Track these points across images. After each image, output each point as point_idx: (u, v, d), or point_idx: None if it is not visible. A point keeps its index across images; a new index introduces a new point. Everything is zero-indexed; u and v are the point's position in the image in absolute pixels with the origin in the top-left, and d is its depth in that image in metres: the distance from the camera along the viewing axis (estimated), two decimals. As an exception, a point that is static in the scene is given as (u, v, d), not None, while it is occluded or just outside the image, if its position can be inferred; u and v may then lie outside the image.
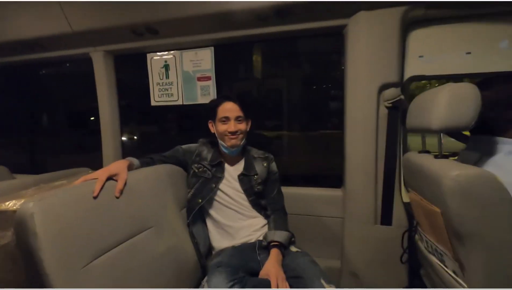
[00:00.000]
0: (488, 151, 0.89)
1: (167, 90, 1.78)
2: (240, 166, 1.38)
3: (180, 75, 1.75)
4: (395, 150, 1.37)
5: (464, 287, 0.81)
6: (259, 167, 1.38)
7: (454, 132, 0.98)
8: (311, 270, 1.09)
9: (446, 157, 0.91)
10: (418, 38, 1.37)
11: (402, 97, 1.33)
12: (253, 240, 1.29)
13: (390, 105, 1.35)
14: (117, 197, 0.96)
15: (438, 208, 0.85)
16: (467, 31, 1.32)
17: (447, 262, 0.90)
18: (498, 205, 0.71)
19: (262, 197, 1.38)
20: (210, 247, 1.34)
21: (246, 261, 1.17)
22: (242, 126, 1.30)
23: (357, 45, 1.35)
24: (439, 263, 0.96)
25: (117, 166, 1.06)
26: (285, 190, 1.48)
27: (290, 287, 1.07)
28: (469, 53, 1.32)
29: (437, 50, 1.38)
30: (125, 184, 1.02)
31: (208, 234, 1.35)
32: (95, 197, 0.89)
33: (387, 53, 1.32)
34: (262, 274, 1.10)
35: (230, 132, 1.28)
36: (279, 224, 1.31)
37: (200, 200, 1.30)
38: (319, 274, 1.07)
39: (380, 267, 1.39)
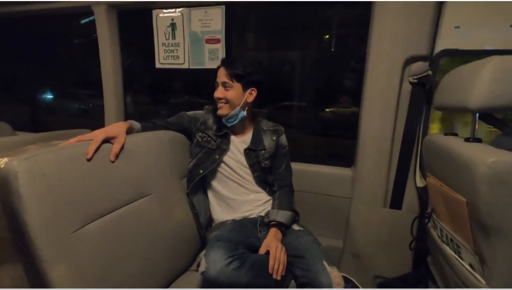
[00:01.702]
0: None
1: (173, 52, 1.66)
2: (247, 139, 1.29)
3: (188, 36, 1.61)
4: (414, 130, 1.26)
5: (481, 282, 0.74)
6: (268, 141, 1.30)
7: (490, 115, 0.86)
8: (314, 250, 1.04)
9: (479, 141, 0.81)
10: (456, 6, 1.21)
11: (430, 72, 1.19)
12: (254, 215, 1.24)
13: (416, 81, 1.22)
14: (112, 162, 0.90)
15: (463, 196, 0.77)
16: (508, 4, 1.15)
17: (463, 254, 0.84)
18: None
19: (269, 173, 1.31)
20: (210, 219, 1.30)
21: (246, 236, 1.12)
22: (229, 94, 1.19)
23: (386, 11, 1.20)
24: (453, 254, 0.89)
25: (116, 128, 0.99)
26: (293, 166, 1.40)
27: (291, 265, 1.03)
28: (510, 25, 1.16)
29: (477, 21, 1.22)
30: (123, 148, 0.95)
31: (209, 205, 1.30)
32: (88, 159, 0.83)
33: (418, 21, 1.17)
34: (262, 250, 1.06)
35: (216, 98, 1.20)
36: (283, 202, 1.25)
37: (201, 171, 1.23)
38: (322, 255, 1.02)
39: (384, 251, 1.35)
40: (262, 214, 1.24)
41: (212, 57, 1.59)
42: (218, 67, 1.24)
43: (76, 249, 0.73)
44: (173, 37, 1.64)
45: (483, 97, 0.73)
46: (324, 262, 0.99)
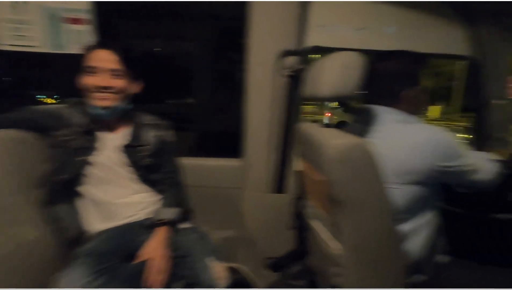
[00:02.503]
0: (376, 121, 0.93)
1: (21, 31, 1.32)
2: (123, 135, 1.15)
3: (42, 12, 1.31)
4: (292, 119, 1.37)
5: (338, 247, 0.85)
6: (149, 137, 1.18)
7: (344, 102, 0.99)
8: (199, 247, 1.02)
9: (344, 124, 0.92)
10: (320, 7, 1.35)
11: (302, 66, 1.30)
12: (139, 219, 1.12)
13: (290, 73, 1.32)
14: None
15: (322, 176, 0.86)
16: (363, 7, 1.36)
17: (325, 226, 0.95)
18: (369, 172, 0.74)
19: (153, 171, 1.20)
20: (82, 232, 1.11)
21: (125, 244, 1.01)
22: (119, 83, 1.05)
23: (260, 8, 1.26)
24: (321, 227, 1.01)
25: None
26: (183, 161, 1.33)
27: (177, 267, 0.98)
28: (364, 28, 1.37)
29: (339, 21, 1.39)
30: None
31: (78, 216, 1.11)
32: None
33: (289, 18, 1.26)
34: (140, 256, 0.97)
35: (98, 87, 1.02)
36: (171, 200, 1.18)
37: (64, 176, 1.03)
38: (208, 251, 1.00)
39: (274, 234, 1.44)
40: (149, 216, 1.14)
41: (76, 39, 1.34)
42: (91, 50, 1.04)
43: None
44: (21, 12, 1.31)
45: (331, 87, 0.83)
46: (208, 259, 0.97)
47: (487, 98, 1.44)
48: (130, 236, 1.06)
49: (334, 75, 0.83)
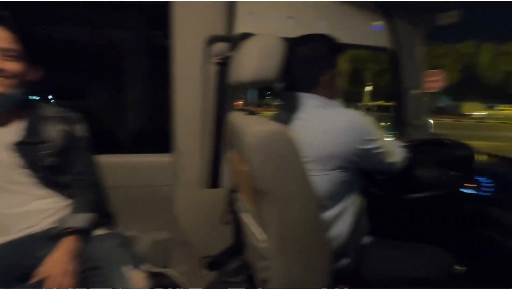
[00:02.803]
0: (298, 107, 0.91)
1: None
2: (15, 130, 0.95)
3: None
4: (223, 109, 1.30)
5: (265, 240, 0.81)
6: (51, 132, 1.00)
7: (266, 86, 0.95)
8: (115, 255, 0.89)
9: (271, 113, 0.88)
10: None
11: (231, 53, 1.24)
12: (41, 230, 0.95)
13: (219, 61, 1.24)
14: None
15: (246, 165, 0.81)
16: None
17: (254, 218, 0.91)
18: (290, 160, 0.71)
19: (59, 172, 1.02)
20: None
21: (21, 261, 0.84)
22: (12, 66, 0.87)
23: None
24: (250, 220, 0.97)
25: None
26: (104, 158, 1.20)
27: (83, 281, 0.84)
28: (292, 17, 1.36)
29: (268, 10, 1.35)
30: None
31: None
32: None
33: (215, 4, 1.19)
34: (38, 274, 0.81)
35: None
36: (82, 205, 1.02)
37: None
38: (127, 258, 0.88)
39: (210, 231, 1.37)
40: (53, 225, 0.96)
41: None
42: None
43: None
44: None
45: (251, 72, 0.78)
46: (126, 267, 0.86)
47: (405, 88, 1.56)
48: (28, 251, 0.89)
49: (253, 59, 0.78)
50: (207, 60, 1.25)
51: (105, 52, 1.63)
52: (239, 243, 1.27)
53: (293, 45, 0.92)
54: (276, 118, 0.99)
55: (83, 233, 0.94)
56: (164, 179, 1.37)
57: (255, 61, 0.78)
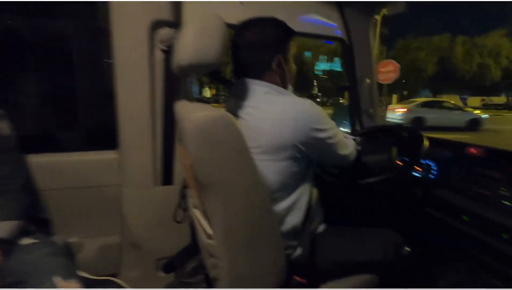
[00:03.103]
0: (248, 95, 0.86)
1: None
2: None
3: None
4: (174, 100, 1.22)
5: (212, 237, 0.76)
6: None
7: (204, 71, 0.88)
8: (42, 267, 0.78)
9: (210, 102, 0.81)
10: None
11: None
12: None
13: (166, 48, 1.15)
14: None
15: (189, 156, 0.75)
16: None
17: (202, 213, 0.85)
18: (232, 148, 0.66)
19: None
20: None
21: None
22: None
23: None
24: (199, 216, 0.91)
25: None
26: (39, 158, 1.09)
27: None
28: (242, 3, 1.30)
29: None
30: None
31: None
32: None
33: None
34: None
35: None
36: (7, 212, 0.88)
37: None
38: (55, 269, 0.78)
39: (164, 232, 1.28)
40: None
41: None
42: None
43: None
44: None
45: (189, 56, 0.71)
46: (56, 278, 0.76)
47: (358, 77, 1.58)
48: None
49: (191, 42, 0.71)
50: (152, 48, 1.15)
51: (38, 40, 1.45)
52: (195, 242, 1.20)
53: (242, 29, 0.87)
54: (226, 107, 0.93)
55: (4, 243, 0.82)
56: (111, 178, 1.26)
57: (193, 44, 0.71)
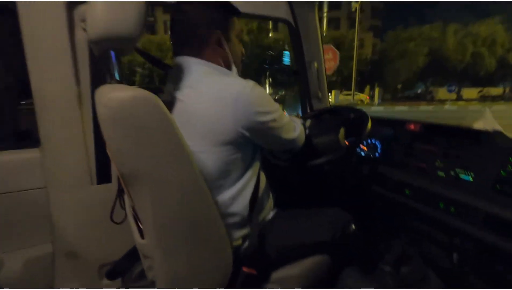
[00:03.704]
0: (186, 74, 0.78)
1: None
2: None
3: None
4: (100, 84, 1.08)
5: (143, 237, 0.68)
6: None
7: (121, 46, 0.77)
8: None
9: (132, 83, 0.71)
10: None
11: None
12: None
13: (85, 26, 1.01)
14: None
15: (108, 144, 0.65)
16: None
17: (132, 210, 0.77)
18: (157, 134, 0.58)
19: None
20: None
21: None
22: None
23: None
24: (131, 211, 0.82)
25: None
26: None
27: None
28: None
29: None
30: None
31: None
32: None
33: None
34: None
35: None
36: None
37: None
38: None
39: (104, 234, 1.16)
40: None
41: None
42: None
43: None
44: None
45: (100, 27, 0.61)
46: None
47: (307, 60, 1.57)
48: None
49: (101, 12, 0.61)
50: (71, 28, 1.00)
51: None
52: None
53: (181, 2, 0.79)
54: (165, 88, 0.84)
55: None
56: (34, 180, 1.09)
57: (103, 14, 0.60)
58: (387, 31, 28.41)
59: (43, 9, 0.97)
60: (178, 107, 0.74)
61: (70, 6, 0.99)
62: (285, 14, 1.45)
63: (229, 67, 0.85)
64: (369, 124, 1.01)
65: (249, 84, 0.74)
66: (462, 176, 0.94)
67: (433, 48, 24.46)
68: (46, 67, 1.01)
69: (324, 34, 24.74)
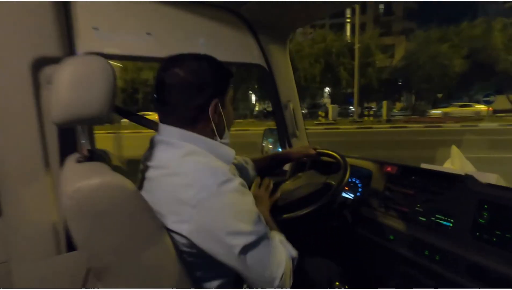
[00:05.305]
0: (164, 149, 0.72)
1: None
2: None
3: None
4: (72, 151, 1.03)
5: None
6: None
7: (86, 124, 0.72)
8: None
9: (92, 159, 0.67)
10: (89, 7, 1.08)
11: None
12: None
13: (53, 88, 0.97)
14: None
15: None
16: (146, 11, 1.18)
17: None
18: (124, 226, 0.54)
19: None
20: None
21: None
22: None
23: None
24: None
25: None
26: None
27: None
28: (149, 34, 1.19)
29: (115, 25, 1.15)
30: None
31: None
32: None
33: (42, 20, 0.94)
34: None
35: None
36: None
37: None
38: None
39: None
40: None
41: None
42: None
43: None
44: None
45: (63, 107, 0.58)
46: None
47: (282, 102, 1.59)
48: None
49: (67, 91, 0.58)
50: (36, 89, 0.96)
51: None
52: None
53: (170, 64, 0.71)
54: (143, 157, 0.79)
55: None
56: None
57: (70, 92, 0.58)
58: (416, 31, 24.38)
59: (9, 68, 0.92)
60: (151, 184, 0.69)
61: (37, 66, 0.95)
62: (258, 59, 1.48)
63: (221, 133, 0.77)
64: (348, 173, 1.01)
65: (228, 178, 0.64)
66: (442, 222, 0.95)
67: (474, 48, 19.56)
68: (7, 131, 0.95)
69: (348, 40, 23.40)
